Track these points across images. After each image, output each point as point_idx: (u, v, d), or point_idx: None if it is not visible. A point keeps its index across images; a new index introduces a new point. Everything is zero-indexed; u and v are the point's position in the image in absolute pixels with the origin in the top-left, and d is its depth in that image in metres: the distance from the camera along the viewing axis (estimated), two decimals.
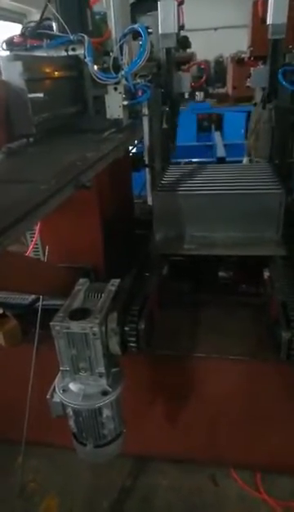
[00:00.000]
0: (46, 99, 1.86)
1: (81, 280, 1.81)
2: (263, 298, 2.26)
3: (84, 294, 1.74)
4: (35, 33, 2.35)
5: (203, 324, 2.32)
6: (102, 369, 1.60)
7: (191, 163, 4.14)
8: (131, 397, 1.77)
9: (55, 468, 2.59)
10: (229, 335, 2.21)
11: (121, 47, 2.34)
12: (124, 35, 2.32)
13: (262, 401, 2.18)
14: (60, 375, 1.66)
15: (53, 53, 2.31)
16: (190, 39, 3.89)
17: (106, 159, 1.86)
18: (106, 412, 1.65)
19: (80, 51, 2.28)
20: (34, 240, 2.39)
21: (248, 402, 2.21)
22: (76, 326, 1.53)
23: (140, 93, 2.43)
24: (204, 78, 6.95)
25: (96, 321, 1.54)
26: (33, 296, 2.36)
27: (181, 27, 2.63)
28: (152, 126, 2.66)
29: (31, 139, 1.94)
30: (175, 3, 2.39)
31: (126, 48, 2.36)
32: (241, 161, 4.44)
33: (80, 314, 1.59)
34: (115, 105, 2.32)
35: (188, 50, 4.43)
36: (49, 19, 2.39)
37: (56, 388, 1.67)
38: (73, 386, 1.64)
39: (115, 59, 2.32)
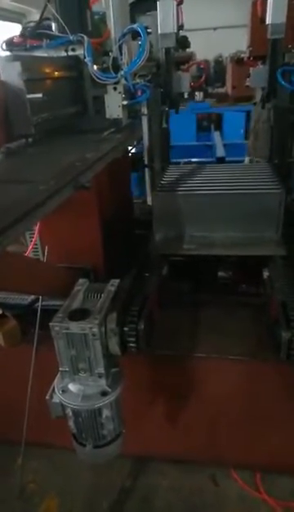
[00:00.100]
0: (45, 99, 1.86)
1: (80, 281, 1.81)
2: (263, 298, 2.25)
3: (83, 295, 1.73)
4: (35, 34, 2.35)
5: (203, 324, 2.32)
6: (101, 369, 1.59)
7: (190, 163, 4.14)
8: (130, 398, 1.76)
9: (55, 468, 2.59)
10: (228, 335, 2.20)
11: (120, 47, 2.34)
12: (123, 35, 2.32)
13: (262, 401, 2.18)
14: (59, 375, 1.66)
15: (53, 53, 2.31)
16: (190, 39, 3.89)
17: (105, 160, 1.86)
18: (106, 413, 1.65)
19: (80, 52, 2.28)
20: (34, 240, 2.39)
21: (248, 402, 2.21)
22: (75, 327, 1.53)
23: (139, 93, 2.43)
24: (203, 77, 6.95)
25: (96, 321, 1.54)
26: (33, 296, 2.35)
27: (180, 27, 2.63)
28: (151, 126, 2.66)
29: (30, 139, 1.94)
30: (175, 3, 2.39)
31: (125, 48, 2.36)
32: (241, 161, 4.44)
33: (79, 314, 1.58)
34: (115, 104, 2.32)
35: (187, 50, 4.44)
36: (48, 19, 2.39)
37: (56, 389, 1.67)
38: (72, 387, 1.64)
39: (114, 59, 2.32)
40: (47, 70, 2.14)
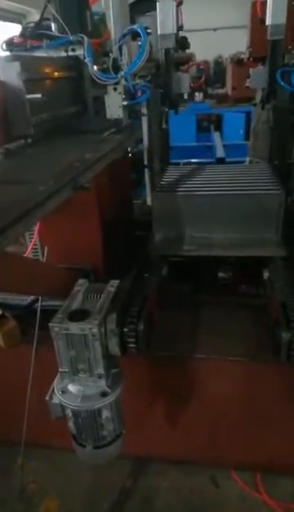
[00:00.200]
0: (44, 99, 1.86)
1: (80, 281, 1.81)
2: (263, 299, 2.25)
3: (83, 295, 1.73)
4: (35, 34, 2.35)
5: (203, 325, 2.32)
6: (101, 370, 1.59)
7: (190, 163, 4.14)
8: (130, 399, 1.76)
9: (55, 469, 2.58)
10: (228, 336, 2.20)
11: (120, 48, 2.34)
12: (123, 36, 2.33)
13: (262, 403, 2.17)
14: (58, 376, 1.66)
15: (53, 54, 2.32)
16: (190, 40, 3.89)
17: (105, 160, 1.86)
18: (105, 413, 1.65)
19: (80, 52, 2.28)
20: (33, 240, 2.39)
21: (248, 403, 2.20)
22: (75, 327, 1.53)
23: (139, 94, 2.43)
24: (203, 78, 6.95)
25: (95, 322, 1.53)
26: (32, 297, 2.35)
27: (180, 27, 2.64)
28: (151, 126, 2.66)
29: (29, 140, 1.94)
30: (174, 4, 2.39)
31: (125, 49, 2.37)
32: (241, 162, 4.44)
33: (79, 315, 1.58)
34: (115, 105, 2.32)
35: (187, 50, 4.44)
36: (48, 19, 2.39)
37: (55, 390, 1.67)
38: (72, 387, 1.64)
39: (114, 59, 2.32)
40: (47, 70, 2.13)
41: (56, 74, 2.21)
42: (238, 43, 5.46)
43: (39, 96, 1.81)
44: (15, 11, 8.28)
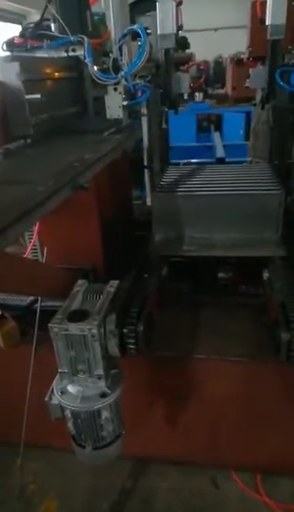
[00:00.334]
0: (44, 100, 1.86)
1: (79, 282, 1.80)
2: (262, 299, 2.25)
3: (83, 296, 1.73)
4: (35, 34, 2.35)
5: (203, 325, 2.31)
6: (101, 371, 1.59)
7: (190, 163, 4.13)
8: (130, 399, 1.75)
9: (55, 470, 2.58)
10: (228, 337, 2.20)
11: (120, 48, 2.34)
12: (123, 36, 2.33)
13: (262, 403, 2.17)
14: (58, 376, 1.66)
15: (53, 54, 2.32)
16: (191, 40, 3.89)
17: (104, 160, 1.86)
18: (105, 414, 1.64)
19: (80, 52, 2.28)
20: (33, 241, 2.39)
21: (248, 404, 2.20)
22: (74, 328, 1.52)
23: (139, 94, 2.43)
24: (203, 78, 6.95)
25: (95, 322, 1.53)
26: (32, 297, 2.35)
27: (180, 27, 2.63)
28: (151, 126, 2.66)
29: (29, 140, 1.94)
30: (174, 4, 2.39)
31: (125, 49, 2.37)
32: (241, 162, 4.43)
33: (78, 316, 1.58)
34: (115, 105, 2.32)
35: (187, 50, 4.44)
36: (48, 19, 2.39)
37: (55, 390, 1.66)
38: (71, 388, 1.63)
39: (115, 59, 2.32)
40: (47, 71, 2.13)
41: (56, 74, 2.21)
42: (238, 43, 5.45)
43: (38, 96, 1.81)
44: (15, 12, 8.28)
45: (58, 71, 2.21)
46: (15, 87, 1.75)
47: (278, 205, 2.17)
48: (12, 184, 1.37)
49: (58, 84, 2.21)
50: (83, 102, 2.43)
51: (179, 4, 2.53)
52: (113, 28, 2.47)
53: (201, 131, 6.89)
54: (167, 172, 2.74)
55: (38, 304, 2.26)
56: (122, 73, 2.25)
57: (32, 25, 2.41)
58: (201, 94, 6.88)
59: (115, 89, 2.28)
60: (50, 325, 1.54)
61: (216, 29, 11.89)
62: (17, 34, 2.42)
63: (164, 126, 2.97)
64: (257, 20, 2.81)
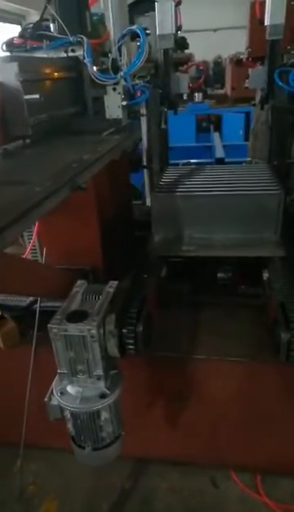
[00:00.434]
0: (43, 100, 1.86)
1: (79, 282, 1.80)
2: (262, 300, 2.25)
3: (82, 296, 1.72)
4: (35, 35, 2.36)
5: (203, 325, 2.31)
6: (100, 371, 1.58)
7: (190, 164, 4.13)
8: (130, 400, 1.75)
9: (55, 470, 2.58)
10: (228, 337, 2.20)
11: (119, 48, 2.34)
12: (122, 36, 2.33)
13: (262, 403, 2.17)
14: (57, 377, 1.65)
15: (53, 54, 2.32)
16: (190, 40, 3.89)
17: (103, 161, 1.85)
18: (104, 415, 1.64)
19: (79, 53, 2.29)
20: (32, 241, 2.39)
21: (248, 404, 2.20)
22: (74, 329, 1.52)
23: (138, 94, 2.43)
24: (202, 78, 6.94)
25: (94, 323, 1.52)
26: (31, 298, 2.35)
27: (179, 28, 2.63)
28: (150, 126, 2.66)
29: (28, 140, 1.94)
30: (173, 4, 2.39)
31: (124, 49, 2.36)
32: (242, 162, 4.43)
33: (78, 316, 1.57)
34: (114, 105, 2.32)
35: (186, 51, 4.43)
36: (47, 20, 2.39)
37: (54, 391, 1.66)
38: (70, 389, 1.63)
39: (114, 60, 2.32)
40: (46, 71, 2.14)
41: (55, 74, 2.21)
42: (237, 44, 5.45)
43: (37, 96, 1.81)
44: (14, 12, 8.28)
45: (57, 71, 2.21)
46: (13, 87, 1.75)
47: (277, 205, 2.17)
48: (9, 184, 1.37)
49: (57, 84, 2.21)
50: (82, 102, 2.43)
51: (178, 4, 2.52)
52: (113, 28, 2.47)
53: (200, 131, 6.89)
54: (166, 173, 2.74)
55: (38, 305, 2.26)
56: (122, 73, 2.25)
57: (31, 26, 2.41)
58: (200, 94, 6.88)
59: (114, 89, 2.28)
60: (49, 325, 1.54)
61: (215, 30, 11.90)
62: (16, 35, 2.43)
63: (163, 126, 2.97)
64: (256, 20, 2.81)
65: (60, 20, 2.29)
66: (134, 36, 2.39)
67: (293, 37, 2.60)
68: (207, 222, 2.29)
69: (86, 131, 2.33)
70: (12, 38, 2.41)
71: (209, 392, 2.19)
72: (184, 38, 3.66)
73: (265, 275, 2.21)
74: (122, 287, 1.80)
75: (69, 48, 2.31)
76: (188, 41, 3.86)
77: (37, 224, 2.24)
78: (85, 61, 2.21)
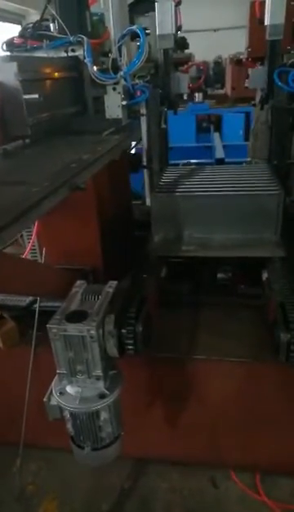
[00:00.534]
0: (42, 100, 1.85)
1: (78, 282, 1.80)
2: (262, 300, 2.25)
3: (81, 296, 1.72)
4: (35, 35, 2.36)
5: (203, 326, 2.31)
6: (99, 372, 1.58)
7: (190, 164, 4.13)
8: (129, 400, 1.75)
9: (54, 470, 2.58)
10: (228, 337, 2.19)
11: (119, 48, 2.35)
12: (123, 36, 2.33)
13: (261, 403, 2.17)
14: (57, 377, 1.65)
15: (53, 54, 2.32)
16: (190, 40, 3.89)
17: (102, 161, 1.85)
18: (104, 415, 1.64)
19: (79, 52, 2.29)
20: (32, 241, 2.38)
21: (248, 404, 2.20)
22: (73, 329, 1.52)
23: (138, 93, 2.43)
24: (203, 78, 6.93)
25: (93, 323, 1.52)
26: (31, 298, 2.35)
27: (179, 28, 2.63)
28: (150, 126, 2.66)
29: (27, 140, 1.94)
30: (173, 4, 2.39)
31: (124, 49, 2.37)
32: (242, 162, 4.42)
33: (77, 316, 1.57)
34: (114, 105, 2.33)
35: (186, 51, 4.43)
36: (47, 20, 2.39)
37: (53, 391, 1.66)
38: (70, 389, 1.63)
39: (114, 60, 2.32)
40: (45, 71, 2.14)
41: (55, 74, 2.21)
42: (237, 44, 5.45)
43: (36, 96, 1.81)
44: (14, 12, 8.29)
45: (57, 71, 2.21)
46: (12, 86, 1.75)
47: (277, 205, 2.17)
48: (8, 185, 1.36)
49: (57, 84, 2.21)
50: (82, 102, 2.43)
51: (178, 4, 2.53)
52: (113, 28, 2.47)
53: (200, 131, 6.89)
54: (166, 173, 2.73)
55: (37, 305, 2.26)
56: (122, 73, 2.25)
57: (31, 25, 2.41)
58: (200, 94, 6.87)
59: (114, 89, 2.29)
60: (48, 325, 1.53)
61: (215, 30, 11.91)
62: (16, 34, 2.43)
63: (163, 126, 2.97)
64: (256, 20, 2.81)
65: (60, 20, 2.29)
66: (134, 36, 2.39)
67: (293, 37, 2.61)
68: (206, 222, 2.29)
69: (86, 131, 2.33)
70: (12, 38, 2.41)
71: (209, 392, 2.19)
72: (184, 38, 3.66)
73: (265, 275, 2.21)
74: (121, 287, 1.80)
75: (69, 48, 2.31)
76: (188, 41, 3.86)
77: (36, 224, 2.24)
78: (85, 61, 2.21)
